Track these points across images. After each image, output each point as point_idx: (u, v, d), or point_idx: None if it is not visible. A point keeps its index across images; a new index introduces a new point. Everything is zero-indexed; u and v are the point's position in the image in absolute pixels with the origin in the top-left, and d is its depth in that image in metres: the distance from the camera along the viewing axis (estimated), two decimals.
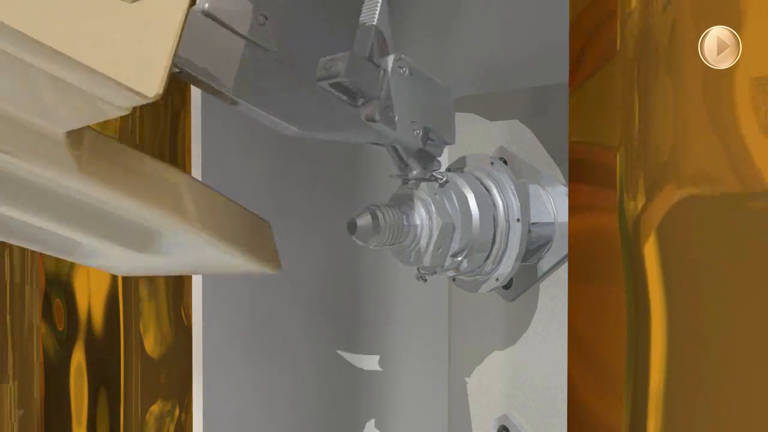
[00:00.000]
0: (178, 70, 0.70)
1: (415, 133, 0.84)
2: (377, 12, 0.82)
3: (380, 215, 0.84)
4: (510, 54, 1.01)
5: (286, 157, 1.06)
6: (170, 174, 0.64)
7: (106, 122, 0.71)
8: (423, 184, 0.89)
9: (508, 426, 1.00)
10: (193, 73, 0.71)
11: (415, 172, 0.88)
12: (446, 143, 0.88)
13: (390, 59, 0.82)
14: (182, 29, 0.52)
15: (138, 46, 0.50)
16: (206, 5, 0.73)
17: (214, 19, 0.73)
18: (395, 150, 0.87)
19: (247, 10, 0.74)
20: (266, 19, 0.76)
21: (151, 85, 0.50)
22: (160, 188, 0.63)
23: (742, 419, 0.64)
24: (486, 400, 1.01)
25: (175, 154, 1.14)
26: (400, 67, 0.83)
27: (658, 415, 0.70)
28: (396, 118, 0.82)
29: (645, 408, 0.71)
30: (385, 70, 0.82)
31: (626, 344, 0.78)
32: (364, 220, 0.83)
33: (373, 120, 0.81)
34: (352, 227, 0.83)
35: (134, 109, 0.53)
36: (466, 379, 1.02)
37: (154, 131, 1.15)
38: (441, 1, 1.10)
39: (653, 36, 0.69)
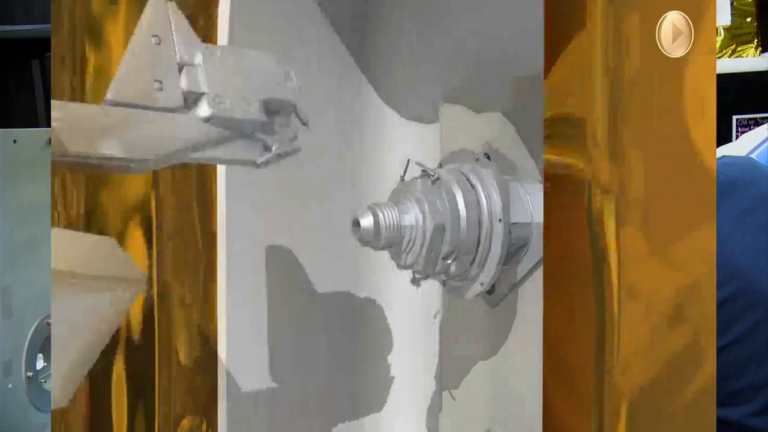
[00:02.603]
0: None
1: (252, 109, 0.78)
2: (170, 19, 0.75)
3: (381, 215, 0.83)
4: (496, 45, 0.96)
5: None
6: None
7: None
8: (419, 182, 0.86)
9: None
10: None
11: (275, 147, 0.80)
12: (294, 105, 0.81)
13: (198, 54, 0.75)
14: None
15: None
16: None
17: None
18: (257, 137, 0.80)
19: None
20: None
21: None
22: None
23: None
24: (471, 414, 0.95)
25: None
26: (211, 54, 0.76)
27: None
28: (228, 102, 0.76)
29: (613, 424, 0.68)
30: (199, 65, 0.75)
31: (594, 354, 0.74)
32: (367, 221, 0.83)
33: (209, 118, 0.74)
34: (356, 227, 0.83)
35: None
36: (454, 391, 0.97)
37: None
38: None
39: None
